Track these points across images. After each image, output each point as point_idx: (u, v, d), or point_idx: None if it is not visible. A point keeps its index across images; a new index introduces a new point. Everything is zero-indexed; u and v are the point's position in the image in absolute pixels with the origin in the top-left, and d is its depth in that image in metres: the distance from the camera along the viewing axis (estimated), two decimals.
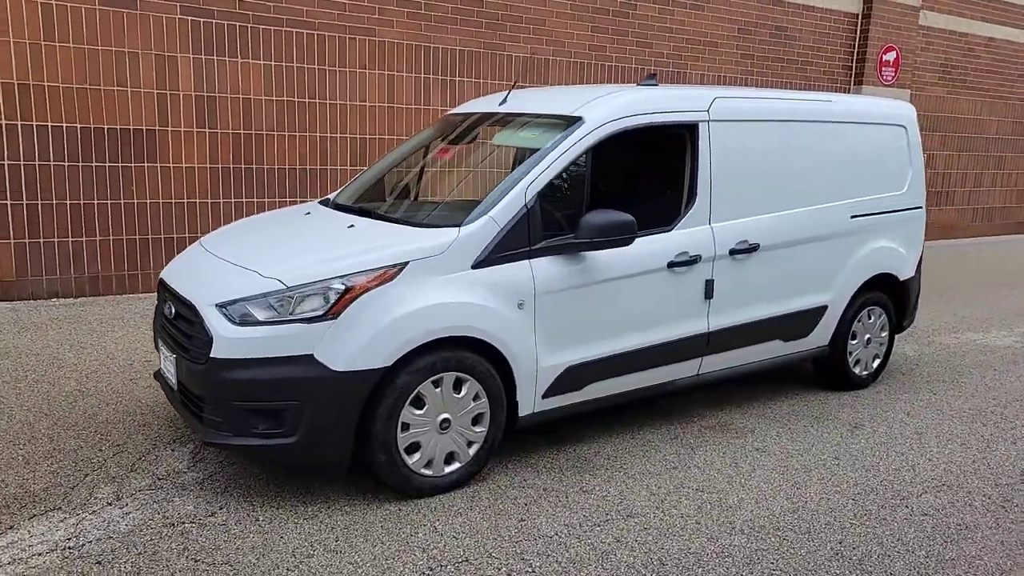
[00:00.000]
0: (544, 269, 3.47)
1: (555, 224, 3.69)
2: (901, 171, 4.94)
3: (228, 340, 2.99)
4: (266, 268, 3.18)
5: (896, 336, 5.80)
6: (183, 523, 2.97)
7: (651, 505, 3.30)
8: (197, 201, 6.50)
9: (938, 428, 4.32)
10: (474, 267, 3.31)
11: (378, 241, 3.30)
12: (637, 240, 3.72)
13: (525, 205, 3.43)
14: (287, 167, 6.87)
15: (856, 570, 2.89)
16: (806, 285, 4.49)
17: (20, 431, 3.69)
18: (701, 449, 3.90)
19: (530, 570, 2.79)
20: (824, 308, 4.59)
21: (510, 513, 3.18)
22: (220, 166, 6.56)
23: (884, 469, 3.76)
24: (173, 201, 6.40)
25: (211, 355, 3.00)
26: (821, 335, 4.65)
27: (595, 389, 3.75)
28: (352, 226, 3.58)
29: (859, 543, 3.07)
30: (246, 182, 6.68)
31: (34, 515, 2.96)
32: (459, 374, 3.26)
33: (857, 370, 4.88)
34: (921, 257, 5.12)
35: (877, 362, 5.00)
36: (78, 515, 2.98)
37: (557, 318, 3.52)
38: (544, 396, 3.57)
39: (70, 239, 6.03)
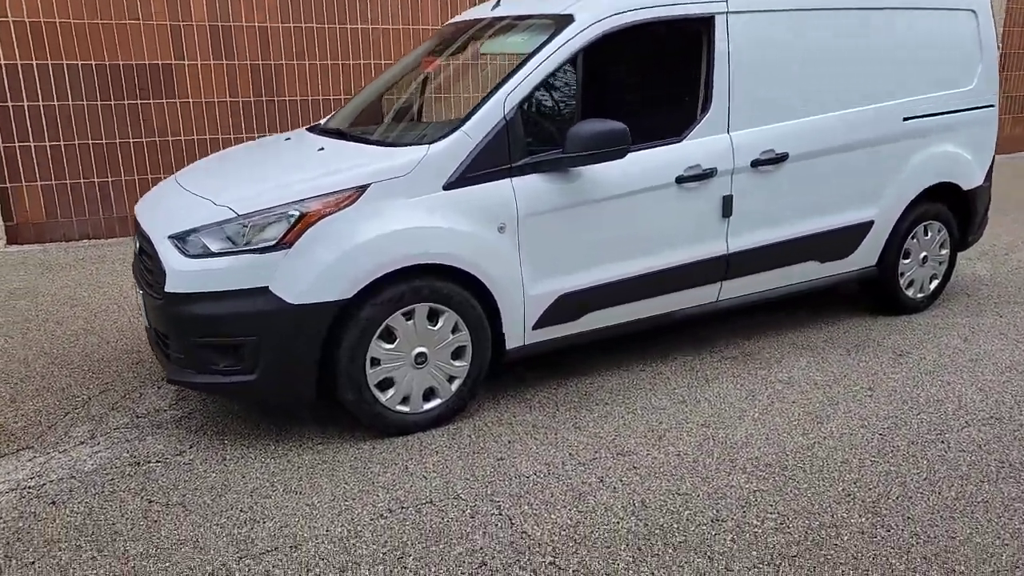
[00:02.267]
0: (528, 188, 3.14)
1: (546, 138, 3.34)
2: (969, 64, 4.27)
3: (180, 273, 2.84)
4: (220, 196, 2.99)
5: (962, 254, 5.21)
6: (149, 462, 2.90)
7: (647, 443, 3.01)
8: (220, 137, 6.40)
9: (998, 355, 3.81)
10: (446, 188, 3.02)
11: (341, 163, 3.05)
12: (641, 153, 3.35)
13: (504, 117, 3.09)
14: (308, 98, 6.66)
15: (867, 513, 2.54)
16: (847, 199, 3.98)
17: (16, 369, 3.70)
18: (716, 381, 3.56)
19: (497, 512, 2.58)
20: (869, 224, 4.08)
21: (490, 452, 2.96)
22: (240, 99, 6.41)
23: (924, 401, 3.33)
24: (195, 137, 6.32)
25: (165, 289, 2.86)
26: (866, 254, 4.15)
27: (594, 319, 3.44)
28: (322, 149, 3.34)
29: (877, 483, 2.71)
30: (268, 114, 6.53)
31: (4, 454, 2.94)
32: (433, 305, 3.02)
33: (910, 292, 4.37)
34: (992, 163, 4.48)
35: (935, 283, 4.46)
36: (48, 454, 2.95)
37: (546, 242, 3.21)
38: (535, 327, 3.29)
39: (96, 179, 6.05)
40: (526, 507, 2.61)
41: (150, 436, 3.09)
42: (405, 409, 3.07)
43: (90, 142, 5.97)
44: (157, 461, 2.91)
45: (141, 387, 3.53)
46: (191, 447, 3.01)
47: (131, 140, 6.10)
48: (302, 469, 2.85)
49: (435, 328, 3.05)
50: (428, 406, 3.12)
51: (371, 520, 2.54)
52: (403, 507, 2.61)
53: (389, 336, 2.98)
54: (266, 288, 2.80)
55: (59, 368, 3.73)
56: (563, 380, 3.58)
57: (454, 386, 3.15)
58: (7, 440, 3.05)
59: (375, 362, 2.97)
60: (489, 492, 2.69)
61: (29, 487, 2.73)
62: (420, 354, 3.04)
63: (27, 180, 5.85)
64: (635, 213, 3.39)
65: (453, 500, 2.65)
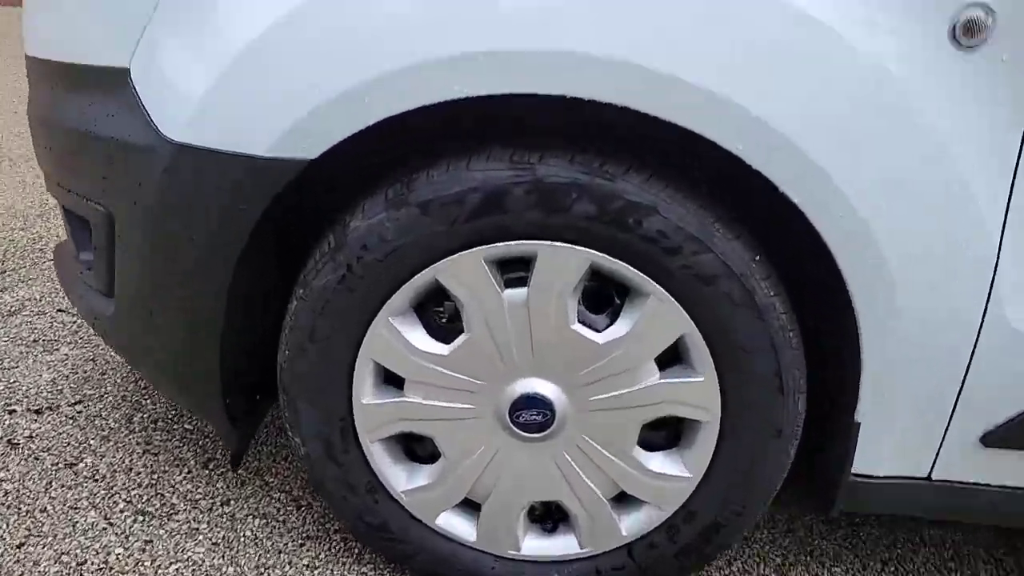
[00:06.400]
0: None
1: None
2: None
3: (32, 18, 1.15)
4: None
5: None
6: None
7: None
8: None
9: None
10: None
11: None
12: None
13: None
14: None
15: None
16: None
17: None
18: None
19: None
20: None
21: None
22: None
23: None
24: None
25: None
26: None
27: None
28: None
29: None
30: None
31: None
32: (609, 260, 0.85)
33: None
34: None
35: None
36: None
37: None
38: (991, 436, 0.89)
39: None
40: None
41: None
42: (464, 536, 1.02)
43: None
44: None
45: None
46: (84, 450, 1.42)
47: None
48: None
49: (600, 336, 0.88)
50: (536, 545, 1.02)
51: None
52: None
53: (437, 315, 0.93)
54: (125, 73, 0.95)
55: None
56: None
57: (628, 521, 0.98)
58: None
59: (386, 378, 0.96)
60: None
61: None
62: (536, 400, 0.92)
63: None
64: None
65: None
